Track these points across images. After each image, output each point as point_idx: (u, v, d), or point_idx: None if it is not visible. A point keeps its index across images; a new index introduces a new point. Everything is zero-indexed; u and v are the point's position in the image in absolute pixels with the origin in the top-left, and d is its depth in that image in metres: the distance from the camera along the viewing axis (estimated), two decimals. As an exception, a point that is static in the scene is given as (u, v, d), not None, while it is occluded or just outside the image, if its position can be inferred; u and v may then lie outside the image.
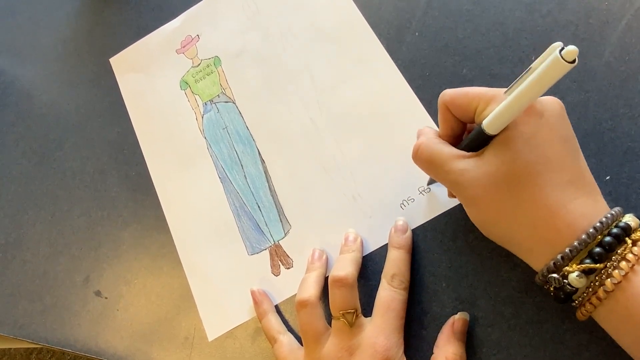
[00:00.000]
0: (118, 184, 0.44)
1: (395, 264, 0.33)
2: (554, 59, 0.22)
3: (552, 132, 0.26)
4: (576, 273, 0.24)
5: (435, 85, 0.38)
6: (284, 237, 0.39)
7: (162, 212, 0.42)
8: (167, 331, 0.39)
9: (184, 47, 0.47)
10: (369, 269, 0.36)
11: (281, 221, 0.39)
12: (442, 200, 0.36)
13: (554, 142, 0.26)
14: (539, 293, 0.32)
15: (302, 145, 0.40)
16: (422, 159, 0.30)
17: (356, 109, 0.40)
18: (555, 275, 0.25)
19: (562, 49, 0.22)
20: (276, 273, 0.38)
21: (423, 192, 0.36)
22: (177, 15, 0.48)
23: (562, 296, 0.25)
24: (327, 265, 0.36)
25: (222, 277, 0.39)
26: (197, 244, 0.40)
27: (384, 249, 0.36)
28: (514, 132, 0.26)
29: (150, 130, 0.45)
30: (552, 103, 0.27)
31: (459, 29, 0.39)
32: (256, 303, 0.37)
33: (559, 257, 0.25)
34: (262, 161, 0.41)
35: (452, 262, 0.34)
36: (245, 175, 0.41)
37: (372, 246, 0.36)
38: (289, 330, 0.36)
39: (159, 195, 0.43)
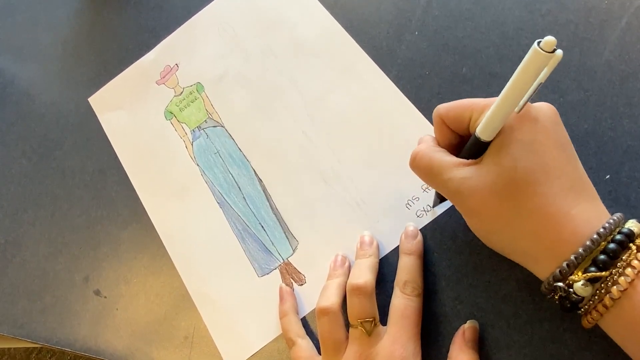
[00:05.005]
0: (118, 183, 0.44)
1: (407, 271, 0.33)
2: (532, 51, 0.22)
3: (548, 138, 0.26)
4: (581, 282, 0.24)
5: (435, 84, 0.38)
6: (292, 254, 0.38)
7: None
8: (167, 330, 0.39)
9: (163, 77, 0.46)
10: (381, 273, 0.35)
11: (287, 238, 0.39)
12: None
13: (552, 148, 0.26)
14: (539, 292, 0.32)
15: (297, 159, 0.40)
16: (420, 166, 0.29)
17: (347, 117, 0.40)
18: (560, 284, 0.25)
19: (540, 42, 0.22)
20: None
21: (427, 190, 0.36)
22: (176, 15, 0.48)
23: (569, 305, 0.25)
24: (349, 272, 0.35)
25: (234, 304, 0.38)
26: (204, 274, 0.39)
27: (394, 253, 0.35)
28: (511, 138, 0.26)
29: (140, 165, 0.44)
30: (546, 108, 0.27)
31: (458, 28, 0.39)
32: (280, 299, 0.37)
33: (564, 264, 0.25)
34: (260, 180, 0.40)
35: (451, 261, 0.34)
36: (244, 197, 0.40)
37: (383, 250, 0.36)
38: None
39: (158, 230, 0.41)
